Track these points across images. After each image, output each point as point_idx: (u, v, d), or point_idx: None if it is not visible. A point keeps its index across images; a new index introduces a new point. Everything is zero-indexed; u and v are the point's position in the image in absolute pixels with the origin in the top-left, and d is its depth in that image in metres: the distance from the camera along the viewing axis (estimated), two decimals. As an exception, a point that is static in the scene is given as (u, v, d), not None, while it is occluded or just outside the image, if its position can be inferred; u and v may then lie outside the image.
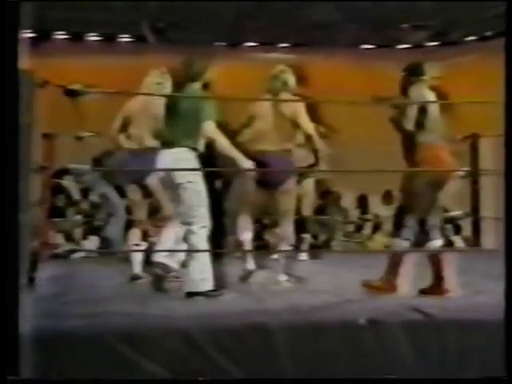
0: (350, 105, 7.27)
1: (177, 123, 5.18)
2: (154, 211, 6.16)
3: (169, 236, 5.49)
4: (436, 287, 5.25)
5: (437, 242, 5.33)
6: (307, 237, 7.19)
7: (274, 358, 3.99)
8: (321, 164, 6.19)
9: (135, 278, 6.03)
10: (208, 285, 5.11)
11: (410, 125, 5.20)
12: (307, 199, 6.62)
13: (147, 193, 6.08)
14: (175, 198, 5.22)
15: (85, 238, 9.58)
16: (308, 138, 5.88)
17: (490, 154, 8.51)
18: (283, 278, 5.84)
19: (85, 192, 9.87)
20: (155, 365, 3.86)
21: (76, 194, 9.98)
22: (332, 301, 4.97)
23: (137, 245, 6.17)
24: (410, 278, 5.23)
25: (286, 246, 5.89)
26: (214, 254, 5.30)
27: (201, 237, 5.08)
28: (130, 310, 4.62)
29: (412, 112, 5.21)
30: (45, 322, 3.89)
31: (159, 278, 5.37)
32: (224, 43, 10.99)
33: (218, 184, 5.71)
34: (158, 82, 6.09)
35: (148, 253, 6.17)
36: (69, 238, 9.61)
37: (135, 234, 6.18)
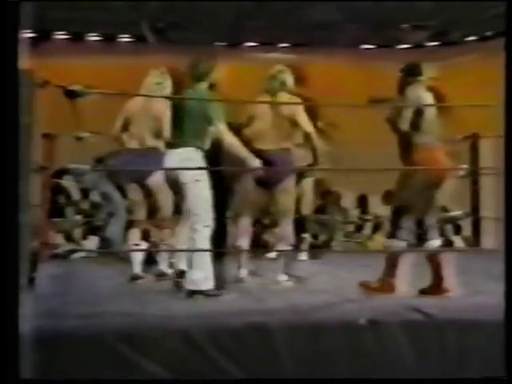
0: (349, 106, 7.27)
1: (184, 123, 5.24)
2: (154, 211, 6.16)
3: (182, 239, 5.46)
4: (436, 287, 5.25)
5: (435, 242, 5.33)
6: (307, 237, 7.19)
7: (274, 358, 3.99)
8: (320, 163, 6.19)
9: (135, 278, 6.03)
10: (208, 284, 5.12)
11: (405, 125, 5.20)
12: (306, 199, 6.63)
13: (148, 193, 6.09)
14: (181, 198, 5.27)
15: (85, 238, 9.58)
16: (307, 136, 5.89)
17: (489, 154, 8.51)
18: (283, 277, 5.85)
19: (85, 192, 9.86)
20: (155, 365, 3.86)
21: (76, 194, 9.97)
22: (332, 301, 4.98)
23: (137, 245, 6.17)
24: (408, 278, 5.24)
25: (285, 246, 5.90)
26: (216, 254, 5.33)
27: (203, 236, 5.12)
28: (130, 310, 4.62)
29: (407, 113, 5.21)
30: (45, 322, 3.89)
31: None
32: (224, 43, 10.97)
33: (223, 184, 5.73)
34: (157, 81, 6.10)
35: (148, 253, 6.19)
36: (69, 238, 9.61)
37: (135, 234, 6.18)
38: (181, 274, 5.33)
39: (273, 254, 7.69)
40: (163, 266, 6.27)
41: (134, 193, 6.16)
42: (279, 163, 5.72)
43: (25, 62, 3.65)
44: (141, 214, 6.19)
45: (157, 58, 9.88)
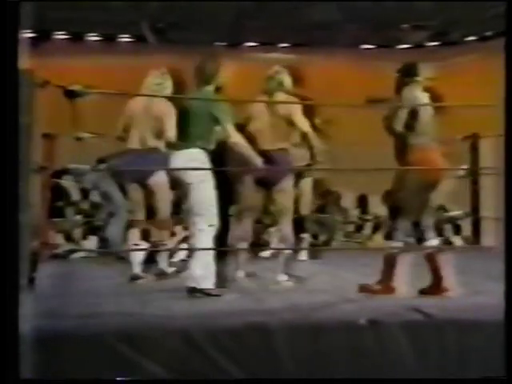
0: (346, 106, 7.27)
1: (190, 125, 5.34)
2: (154, 212, 6.16)
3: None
4: (435, 287, 5.25)
5: (432, 242, 5.33)
6: (306, 237, 7.19)
7: (274, 358, 3.99)
8: (318, 163, 6.21)
9: (135, 278, 6.03)
10: (209, 283, 5.14)
11: (399, 126, 5.20)
12: (305, 199, 6.62)
13: (148, 193, 6.09)
14: (186, 198, 5.33)
15: (85, 238, 9.58)
16: (303, 136, 5.90)
17: (490, 154, 8.51)
18: (283, 278, 5.85)
19: (85, 192, 9.86)
20: (155, 365, 3.86)
21: (76, 194, 9.97)
22: (332, 301, 4.98)
23: (136, 245, 6.17)
24: (407, 278, 5.24)
25: (285, 246, 5.90)
26: (218, 254, 5.38)
27: (207, 235, 5.18)
28: (130, 310, 4.62)
29: (402, 114, 5.20)
30: (45, 321, 3.89)
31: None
32: (224, 43, 10.98)
33: (227, 184, 5.75)
34: (158, 82, 6.11)
35: (148, 252, 6.19)
36: (69, 238, 9.61)
37: (135, 234, 6.18)
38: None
39: (267, 253, 7.71)
40: (163, 265, 6.28)
41: (135, 193, 6.16)
42: (277, 163, 5.73)
43: (25, 62, 3.65)
44: (141, 214, 6.19)
45: (157, 58, 9.89)
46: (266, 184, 5.83)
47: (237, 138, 5.38)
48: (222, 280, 5.50)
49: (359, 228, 10.78)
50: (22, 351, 3.47)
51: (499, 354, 3.87)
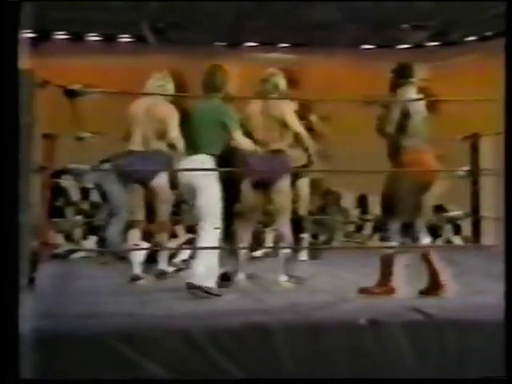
0: (345, 105, 7.27)
1: (198, 131, 5.50)
2: (155, 213, 6.17)
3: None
4: (433, 286, 5.25)
5: (426, 240, 5.33)
6: (306, 237, 7.20)
7: (274, 357, 3.99)
8: (314, 163, 6.23)
9: (135, 278, 6.03)
10: (210, 282, 5.21)
11: (391, 128, 5.20)
12: (303, 199, 6.63)
13: (150, 194, 6.10)
14: (192, 201, 5.45)
15: (85, 238, 9.58)
16: (296, 136, 5.92)
17: (490, 154, 8.51)
18: (283, 278, 5.85)
19: (85, 192, 9.86)
20: (155, 365, 3.86)
21: (76, 194, 9.97)
22: (332, 301, 4.98)
23: (137, 245, 6.17)
24: (405, 279, 5.24)
25: (284, 246, 5.91)
26: (225, 255, 5.54)
27: (211, 237, 5.28)
28: (130, 310, 4.62)
29: (394, 115, 5.20)
30: (45, 321, 3.89)
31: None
32: (224, 43, 10.97)
33: (233, 187, 5.80)
34: (159, 84, 6.12)
35: (148, 253, 6.19)
36: (69, 238, 9.61)
37: (135, 235, 6.18)
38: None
39: (259, 253, 7.71)
40: (163, 266, 6.29)
41: (136, 194, 6.16)
42: (274, 164, 5.76)
43: (25, 61, 3.66)
44: (141, 214, 6.18)
45: (157, 58, 9.89)
46: (263, 185, 5.85)
47: (246, 145, 5.54)
48: (225, 281, 5.55)
49: (359, 228, 10.77)
50: (22, 351, 3.47)
51: (499, 354, 3.88)
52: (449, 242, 10.20)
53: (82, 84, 5.74)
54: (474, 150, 9.13)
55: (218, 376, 3.92)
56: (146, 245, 6.25)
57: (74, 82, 5.16)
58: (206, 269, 5.20)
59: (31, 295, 3.99)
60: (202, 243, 5.31)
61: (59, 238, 9.34)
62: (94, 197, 9.58)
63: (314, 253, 7.98)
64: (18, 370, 3.45)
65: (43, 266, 5.92)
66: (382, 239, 5.34)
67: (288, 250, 5.91)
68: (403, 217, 5.25)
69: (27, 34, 3.73)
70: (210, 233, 5.30)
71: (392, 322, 4.17)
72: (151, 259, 6.29)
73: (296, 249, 6.26)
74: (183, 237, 8.72)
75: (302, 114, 6.36)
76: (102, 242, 8.37)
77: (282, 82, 5.95)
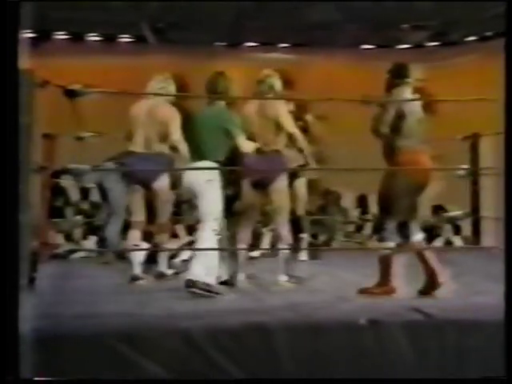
0: (343, 105, 7.26)
1: (203, 139, 5.60)
2: (155, 214, 6.17)
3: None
4: (431, 284, 5.25)
5: (418, 236, 5.33)
6: (305, 237, 7.20)
7: (274, 358, 3.99)
8: (309, 165, 6.26)
9: (135, 278, 6.03)
10: (209, 281, 5.26)
11: (385, 128, 5.20)
12: (300, 199, 6.64)
13: (151, 196, 6.10)
14: (193, 203, 5.61)
15: (85, 238, 9.58)
16: (291, 137, 5.93)
17: (490, 154, 8.51)
18: (283, 278, 5.85)
19: (85, 192, 9.86)
20: (155, 365, 3.86)
21: (76, 194, 9.97)
22: (332, 301, 4.98)
23: (136, 245, 6.17)
24: (404, 279, 5.25)
25: (283, 246, 5.92)
26: (223, 255, 5.61)
27: (211, 238, 5.37)
28: (130, 310, 4.62)
29: (388, 116, 5.20)
30: (45, 321, 3.89)
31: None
32: (224, 43, 10.98)
33: (235, 190, 5.83)
34: (161, 86, 6.11)
35: (148, 253, 6.20)
36: (69, 238, 9.61)
37: (135, 235, 6.18)
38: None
39: (257, 253, 7.72)
40: (163, 267, 6.29)
41: (137, 195, 6.16)
42: (270, 163, 5.78)
43: (25, 61, 3.65)
44: (141, 215, 6.18)
45: (157, 58, 9.90)
46: (261, 184, 5.87)
47: (249, 149, 5.61)
48: (226, 285, 5.57)
49: (359, 228, 10.77)
50: (22, 351, 3.47)
51: (499, 353, 3.88)
52: (449, 242, 10.20)
53: (82, 84, 5.74)
54: (474, 150, 9.13)
55: (218, 376, 3.92)
56: (146, 245, 6.25)
57: (73, 82, 5.15)
58: (204, 269, 5.24)
59: (31, 295, 3.99)
60: (201, 244, 5.37)
61: (59, 238, 9.34)
62: (94, 197, 9.58)
63: (314, 253, 7.98)
64: (18, 369, 3.45)
65: (43, 266, 5.92)
66: (379, 239, 5.34)
67: (287, 250, 5.92)
68: (399, 216, 5.25)
69: (27, 34, 3.73)
70: (210, 234, 5.37)
71: (392, 322, 4.17)
72: (151, 260, 6.30)
73: (295, 249, 6.26)
74: (183, 237, 8.74)
75: (298, 115, 6.37)
76: (101, 241, 8.37)
77: (277, 83, 5.99)
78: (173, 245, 7.17)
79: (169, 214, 6.22)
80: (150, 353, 3.86)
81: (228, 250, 5.71)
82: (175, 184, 6.16)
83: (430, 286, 5.25)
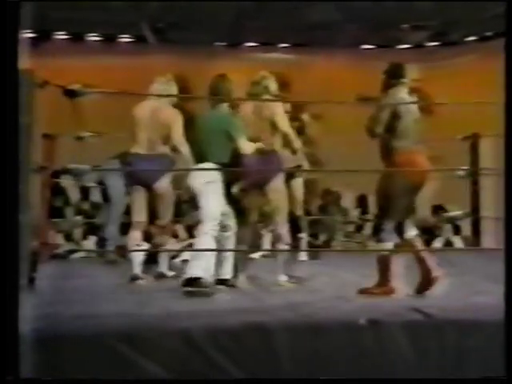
0: (335, 103, 7.27)
1: (206, 143, 5.65)
2: (156, 215, 6.18)
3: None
4: (426, 281, 5.25)
5: (412, 233, 5.33)
6: (304, 236, 7.20)
7: (274, 358, 3.99)
8: (302, 166, 6.28)
9: (135, 278, 6.03)
10: (205, 280, 5.30)
11: (380, 128, 5.20)
12: (297, 199, 6.65)
13: (153, 197, 6.10)
14: (194, 204, 5.68)
15: (85, 238, 9.58)
16: (285, 137, 5.94)
17: (490, 154, 8.51)
18: (283, 278, 5.86)
19: (85, 192, 9.87)
20: (155, 365, 3.86)
21: (76, 194, 9.97)
22: (332, 301, 4.98)
23: (138, 245, 6.17)
24: (404, 279, 5.25)
25: (282, 246, 5.92)
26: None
27: (209, 239, 5.42)
28: (130, 310, 4.62)
29: (384, 116, 5.20)
30: (45, 321, 3.89)
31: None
32: (224, 43, 10.99)
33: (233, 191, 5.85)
34: (163, 88, 6.11)
35: (148, 254, 6.20)
36: (69, 238, 9.61)
37: (136, 236, 6.18)
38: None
39: (257, 255, 7.72)
40: (163, 268, 6.30)
41: (139, 195, 6.16)
42: (267, 163, 5.79)
43: (25, 61, 3.65)
44: (143, 216, 6.18)
45: (157, 58, 9.91)
46: (258, 185, 5.87)
47: (250, 151, 5.63)
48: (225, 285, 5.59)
49: (359, 228, 10.78)
50: (22, 351, 3.47)
51: (499, 353, 3.88)
52: (449, 242, 10.20)
53: (82, 84, 5.74)
54: (474, 150, 9.14)
55: (218, 376, 3.91)
56: (147, 245, 6.25)
57: (73, 82, 5.15)
58: (201, 268, 5.29)
59: (31, 295, 3.99)
60: (200, 245, 5.44)
61: (59, 238, 9.34)
62: (94, 197, 9.59)
63: (314, 253, 7.98)
64: (18, 369, 3.45)
65: (43, 266, 5.92)
66: (378, 240, 5.34)
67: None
68: (396, 217, 5.25)
69: (27, 34, 3.73)
70: (209, 235, 5.43)
71: (392, 322, 4.17)
72: (151, 260, 6.30)
73: (294, 250, 6.27)
74: (184, 237, 8.74)
75: (295, 115, 6.38)
76: (101, 241, 8.37)
77: (272, 85, 6.01)
78: (172, 245, 7.16)
79: (170, 215, 6.23)
80: (150, 353, 3.86)
81: (228, 250, 5.71)
82: (177, 185, 6.17)
83: (425, 283, 5.25)
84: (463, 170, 5.50)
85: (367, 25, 10.01)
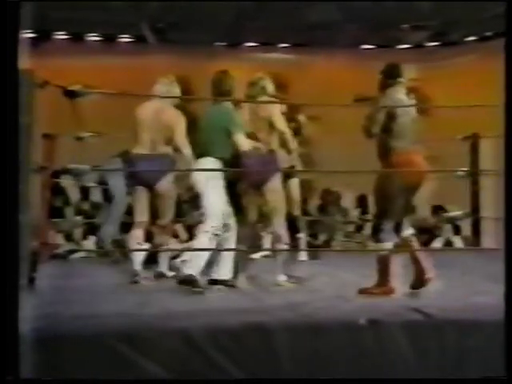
0: (333, 106, 7.26)
1: (207, 139, 5.72)
2: (158, 215, 6.18)
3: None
4: (419, 280, 5.25)
5: (409, 231, 5.33)
6: (302, 236, 7.20)
7: (274, 358, 3.99)
8: (296, 166, 6.30)
9: (135, 276, 6.02)
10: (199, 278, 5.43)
11: (376, 128, 5.20)
12: (294, 199, 6.66)
13: (154, 197, 6.10)
14: (195, 203, 5.78)
15: (85, 238, 9.58)
16: (281, 137, 5.95)
17: (490, 155, 8.51)
18: (283, 278, 5.86)
19: (85, 192, 9.86)
20: (155, 365, 3.86)
21: (76, 194, 9.97)
22: (332, 301, 4.98)
23: (138, 244, 6.17)
24: (404, 278, 5.25)
25: (280, 246, 5.92)
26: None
27: (209, 237, 5.49)
28: (130, 310, 4.62)
29: (380, 116, 5.20)
30: (45, 321, 3.89)
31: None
32: (224, 43, 10.99)
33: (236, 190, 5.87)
34: (166, 89, 6.11)
35: (149, 254, 6.20)
36: (69, 238, 9.61)
37: (137, 235, 6.18)
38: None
39: (257, 255, 7.72)
40: (163, 268, 6.30)
41: (141, 195, 6.16)
42: (264, 163, 5.80)
43: (25, 61, 3.65)
44: (145, 216, 6.18)
45: (157, 58, 9.91)
46: (256, 185, 5.88)
47: (247, 147, 5.66)
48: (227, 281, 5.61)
49: (359, 228, 10.77)
50: (22, 351, 3.47)
51: (499, 353, 3.88)
52: (449, 242, 10.20)
53: (82, 84, 5.74)
54: (474, 150, 9.13)
55: (218, 376, 3.92)
56: (147, 245, 6.25)
57: (74, 82, 5.16)
58: (196, 266, 5.42)
59: (31, 295, 3.99)
60: (199, 243, 5.50)
61: (59, 238, 9.33)
62: (94, 197, 9.58)
63: (314, 253, 7.98)
64: (18, 369, 3.45)
65: (43, 266, 5.92)
66: (377, 240, 5.34)
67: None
68: (394, 217, 5.25)
69: (27, 34, 3.73)
70: (209, 234, 5.48)
71: (392, 322, 4.17)
72: (152, 260, 6.30)
73: (293, 250, 6.27)
74: (184, 237, 8.74)
75: (291, 116, 6.39)
76: (99, 241, 8.37)
77: (269, 86, 6.03)
78: (172, 245, 7.16)
79: (171, 215, 6.23)
80: (150, 353, 3.86)
81: (228, 250, 5.71)
82: (178, 185, 6.17)
83: (418, 283, 5.26)
84: (461, 171, 5.49)
85: (367, 25, 10.01)
